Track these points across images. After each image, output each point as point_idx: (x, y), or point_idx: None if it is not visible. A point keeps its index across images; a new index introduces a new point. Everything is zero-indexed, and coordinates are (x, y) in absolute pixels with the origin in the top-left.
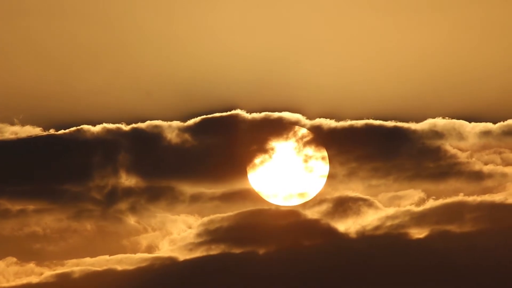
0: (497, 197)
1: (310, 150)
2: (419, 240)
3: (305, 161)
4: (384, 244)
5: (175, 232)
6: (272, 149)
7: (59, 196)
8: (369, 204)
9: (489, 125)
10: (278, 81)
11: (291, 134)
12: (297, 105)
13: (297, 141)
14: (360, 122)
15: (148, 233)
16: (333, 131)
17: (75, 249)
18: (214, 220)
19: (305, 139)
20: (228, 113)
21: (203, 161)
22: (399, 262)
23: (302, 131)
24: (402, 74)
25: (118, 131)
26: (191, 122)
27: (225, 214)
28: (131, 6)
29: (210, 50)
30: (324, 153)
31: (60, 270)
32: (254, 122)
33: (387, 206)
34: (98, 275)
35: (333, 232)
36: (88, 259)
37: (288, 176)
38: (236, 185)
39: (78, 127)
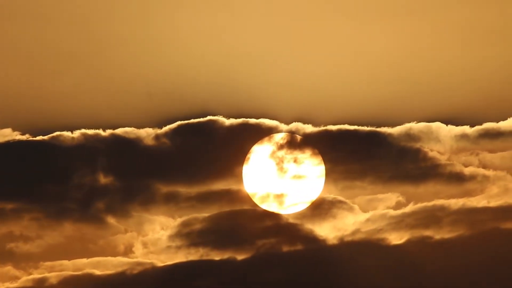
0: (476, 201)
1: (288, 154)
2: (397, 246)
3: (282, 164)
4: (362, 249)
5: (153, 234)
6: (251, 152)
7: (38, 197)
8: (348, 208)
9: (466, 128)
10: (255, 87)
11: (268, 138)
12: (274, 111)
13: (274, 144)
14: (338, 127)
15: (126, 235)
16: (309, 135)
17: (52, 251)
18: (194, 221)
19: (282, 143)
20: (205, 118)
21: (183, 165)
22: (378, 268)
23: (279, 136)
24: (379, 79)
25: (97, 137)
26: (167, 128)
27: (204, 214)
28: (107, 9)
29: (188, 55)
30: (305, 156)
31: (36, 273)
32: (231, 127)
33: (365, 209)
34: (76, 280)
35: (311, 237)
36: (65, 262)
37: (267, 179)
38: (215, 187)
39: (59, 133)
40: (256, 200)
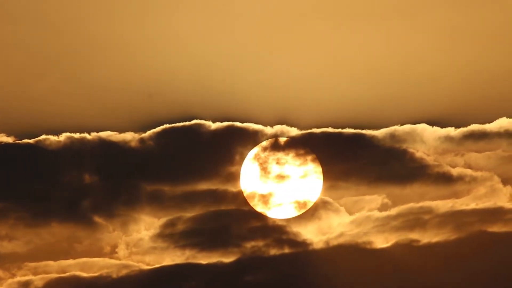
0: (463, 202)
1: (273, 156)
2: (383, 249)
3: (268, 165)
4: (348, 253)
5: (140, 234)
6: (237, 154)
7: (24, 197)
8: (333, 209)
9: (451, 130)
10: (240, 91)
11: (253, 140)
12: (259, 114)
13: (260, 147)
14: (322, 130)
15: (112, 234)
16: (294, 138)
17: (37, 251)
18: (178, 221)
19: (267, 146)
20: (191, 122)
21: (169, 167)
22: (364, 272)
23: (265, 138)
24: (364, 82)
25: (83, 141)
26: (153, 131)
27: (188, 214)
28: (94, 14)
29: (174, 60)
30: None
31: (21, 274)
32: (216, 131)
33: (350, 211)
34: (62, 282)
35: (298, 240)
36: (51, 263)
37: (254, 180)
38: (200, 187)
39: (45, 137)
40: (242, 201)
